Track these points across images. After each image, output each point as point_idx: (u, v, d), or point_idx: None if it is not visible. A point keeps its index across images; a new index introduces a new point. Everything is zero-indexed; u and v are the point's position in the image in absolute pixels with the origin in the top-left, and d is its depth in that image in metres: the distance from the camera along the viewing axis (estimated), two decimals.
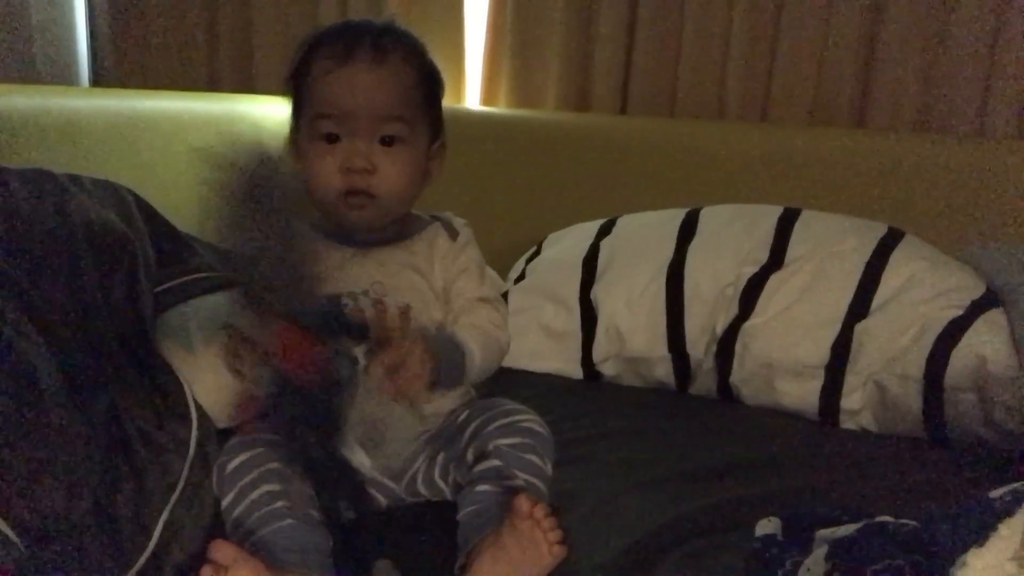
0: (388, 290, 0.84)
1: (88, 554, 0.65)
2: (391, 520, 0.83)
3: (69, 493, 0.67)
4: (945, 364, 1.06)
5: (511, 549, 0.69)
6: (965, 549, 0.55)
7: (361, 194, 0.82)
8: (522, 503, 0.68)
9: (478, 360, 0.82)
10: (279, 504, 0.74)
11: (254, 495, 0.75)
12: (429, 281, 0.86)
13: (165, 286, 1.10)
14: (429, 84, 0.87)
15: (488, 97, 1.90)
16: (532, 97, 1.86)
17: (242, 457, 0.78)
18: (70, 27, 1.98)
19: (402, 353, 0.73)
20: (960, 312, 1.11)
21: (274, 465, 0.77)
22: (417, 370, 0.73)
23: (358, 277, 0.85)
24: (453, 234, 0.88)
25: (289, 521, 0.72)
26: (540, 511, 0.68)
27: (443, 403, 0.88)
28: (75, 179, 1.08)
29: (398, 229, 0.88)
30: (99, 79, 2.06)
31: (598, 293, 1.31)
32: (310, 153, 0.83)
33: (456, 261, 0.87)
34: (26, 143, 1.25)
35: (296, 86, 0.86)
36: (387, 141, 0.82)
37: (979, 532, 0.56)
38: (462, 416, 0.87)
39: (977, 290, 1.16)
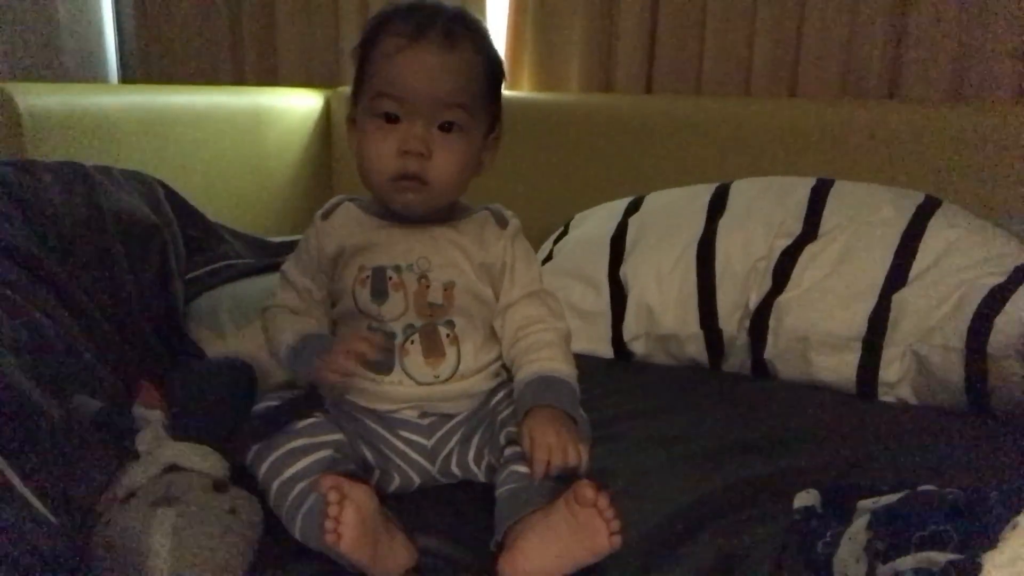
0: (433, 266, 0.85)
1: None
2: (424, 498, 0.83)
3: (103, 470, 0.68)
4: (988, 332, 1.03)
5: (562, 532, 0.68)
6: (1017, 512, 0.54)
7: (413, 179, 0.81)
8: (586, 491, 0.67)
9: (574, 368, 0.84)
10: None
11: (296, 468, 0.76)
12: (472, 262, 0.86)
13: (195, 273, 1.11)
14: (493, 73, 0.87)
15: (512, 81, 1.89)
16: (556, 79, 1.85)
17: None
18: (97, 25, 2.01)
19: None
20: (1002, 279, 1.08)
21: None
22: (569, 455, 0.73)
23: (404, 251, 0.85)
24: (503, 223, 0.89)
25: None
26: (603, 500, 0.67)
27: (475, 384, 0.88)
28: (105, 171, 1.09)
29: (447, 213, 0.88)
30: (127, 76, 2.10)
31: (627, 271, 1.29)
32: (367, 131, 0.83)
33: (507, 250, 0.87)
34: (59, 140, 1.27)
35: (362, 59, 0.85)
36: (446, 127, 0.82)
37: None
38: (495, 398, 0.87)
39: (1019, 256, 1.12)
